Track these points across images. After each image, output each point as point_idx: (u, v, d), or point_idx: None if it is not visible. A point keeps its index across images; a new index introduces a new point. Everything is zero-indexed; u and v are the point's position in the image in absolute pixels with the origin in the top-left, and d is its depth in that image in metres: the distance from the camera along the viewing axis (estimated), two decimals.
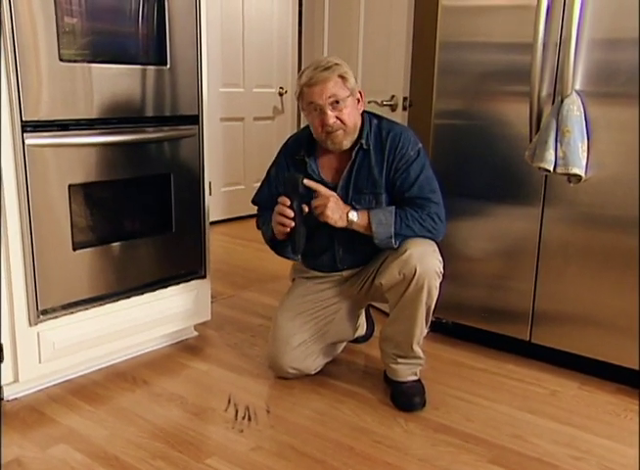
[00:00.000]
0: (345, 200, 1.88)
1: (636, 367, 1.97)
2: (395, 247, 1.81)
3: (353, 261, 2.00)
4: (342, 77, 1.80)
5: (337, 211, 1.80)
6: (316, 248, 1.98)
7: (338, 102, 1.79)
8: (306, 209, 1.83)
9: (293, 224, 1.81)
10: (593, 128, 1.92)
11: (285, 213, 1.80)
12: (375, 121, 1.91)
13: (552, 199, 2.06)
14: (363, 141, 1.87)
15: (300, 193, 1.79)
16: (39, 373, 1.91)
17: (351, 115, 1.82)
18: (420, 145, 1.89)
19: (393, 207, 1.84)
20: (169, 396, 1.94)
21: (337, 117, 1.79)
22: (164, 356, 2.23)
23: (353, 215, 1.81)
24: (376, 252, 1.91)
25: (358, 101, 1.87)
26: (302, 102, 1.84)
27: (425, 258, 1.77)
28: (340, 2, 2.77)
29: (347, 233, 1.88)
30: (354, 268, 2.03)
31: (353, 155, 1.88)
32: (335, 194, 1.84)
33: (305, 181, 1.80)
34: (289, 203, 1.80)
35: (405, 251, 1.78)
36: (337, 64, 1.81)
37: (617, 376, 2.04)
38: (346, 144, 1.85)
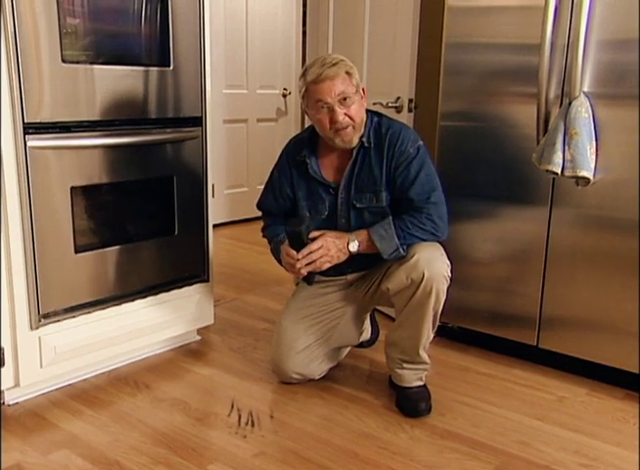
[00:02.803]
0: (347, 199, 1.88)
1: None
2: (404, 255, 1.79)
3: (357, 264, 1.98)
4: (349, 73, 1.79)
5: (338, 253, 1.81)
6: None
7: (345, 99, 1.78)
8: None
9: (306, 272, 1.85)
10: (601, 130, 1.90)
11: (296, 266, 1.83)
12: (375, 119, 1.90)
13: (560, 202, 2.04)
14: (364, 139, 1.85)
15: (306, 242, 1.81)
16: (40, 377, 1.89)
17: (359, 111, 1.82)
18: (420, 142, 1.87)
19: (390, 218, 1.83)
20: (172, 400, 1.92)
21: (345, 114, 1.78)
22: (167, 361, 2.21)
23: (354, 246, 1.82)
24: (381, 256, 1.89)
25: (361, 97, 1.86)
26: (309, 100, 1.82)
27: (433, 263, 1.75)
28: (344, 3, 2.76)
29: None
30: (359, 272, 2.01)
31: (354, 153, 1.86)
32: (327, 233, 1.83)
33: (299, 255, 1.80)
34: (296, 256, 1.82)
35: (413, 255, 1.76)
36: (342, 60, 1.80)
37: (626, 382, 2.02)
38: (355, 141, 1.84)
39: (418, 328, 1.82)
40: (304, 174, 1.93)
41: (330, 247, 1.81)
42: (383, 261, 1.89)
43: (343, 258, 1.84)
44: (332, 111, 1.77)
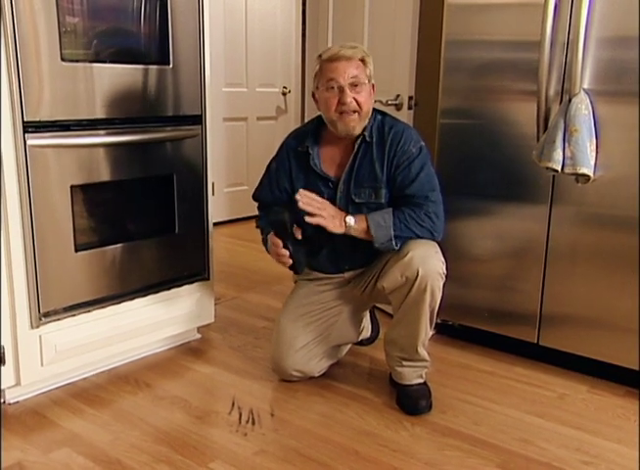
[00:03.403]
0: (347, 193, 1.88)
1: None
2: (396, 249, 1.79)
3: (355, 262, 1.98)
4: (364, 62, 1.81)
5: (335, 218, 1.79)
6: (316, 248, 1.96)
7: (357, 85, 1.78)
8: (299, 235, 1.84)
9: (291, 261, 1.84)
10: (602, 127, 1.90)
11: (280, 254, 1.83)
12: (379, 117, 1.90)
13: (560, 199, 2.04)
14: (366, 133, 1.85)
15: (290, 232, 1.78)
16: (41, 376, 1.89)
17: (367, 100, 1.82)
18: (422, 143, 1.87)
19: (390, 208, 1.82)
20: (172, 399, 1.92)
21: (354, 99, 1.78)
22: (167, 359, 2.21)
23: (351, 220, 1.80)
24: (377, 252, 1.89)
25: (371, 91, 1.86)
26: (321, 79, 1.82)
27: (427, 260, 1.75)
28: (344, 0, 2.75)
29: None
30: (356, 269, 2.01)
31: (356, 147, 1.86)
32: (328, 202, 1.82)
33: (298, 194, 1.76)
34: (281, 244, 1.81)
35: (407, 253, 1.76)
36: (360, 47, 1.82)
37: (626, 379, 2.02)
38: (358, 130, 1.83)
39: (415, 326, 1.82)
40: (304, 167, 1.93)
41: (328, 209, 1.79)
42: (379, 259, 1.89)
43: (339, 227, 1.78)
44: (341, 92, 1.78)
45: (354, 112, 1.79)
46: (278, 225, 1.80)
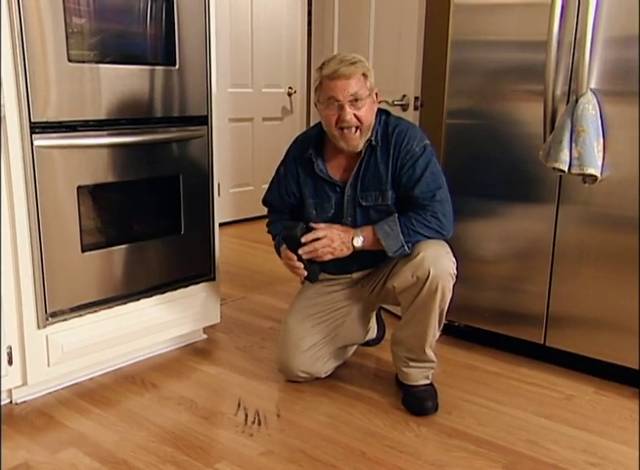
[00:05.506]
0: (354, 197, 1.88)
1: None
2: (410, 253, 1.79)
3: (363, 262, 1.98)
4: (365, 75, 1.79)
5: (343, 245, 1.83)
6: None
7: (357, 100, 1.77)
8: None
9: (306, 273, 1.88)
10: (608, 128, 1.89)
11: (295, 266, 1.87)
12: (383, 117, 1.90)
13: (567, 199, 2.03)
14: (372, 137, 1.85)
15: (303, 243, 1.82)
16: (48, 376, 1.90)
17: (368, 114, 1.81)
18: (426, 142, 1.86)
19: (395, 215, 1.82)
20: (179, 399, 1.93)
21: (354, 115, 1.78)
22: (173, 360, 2.21)
23: (358, 241, 1.83)
24: (385, 254, 1.89)
25: (373, 101, 1.85)
26: (321, 94, 1.81)
27: (438, 260, 1.75)
28: (350, 1, 2.75)
29: None
30: (364, 270, 2.01)
31: (362, 152, 1.86)
32: (333, 225, 1.86)
33: (303, 239, 1.81)
34: (295, 258, 1.85)
35: (418, 253, 1.76)
36: (361, 61, 1.80)
37: (633, 380, 2.01)
38: (360, 146, 1.84)
39: (424, 326, 1.82)
40: (311, 172, 1.93)
41: (334, 238, 1.81)
42: (388, 260, 1.88)
43: (347, 252, 1.84)
44: (341, 109, 1.77)
45: (355, 127, 1.79)
46: (290, 240, 1.84)
